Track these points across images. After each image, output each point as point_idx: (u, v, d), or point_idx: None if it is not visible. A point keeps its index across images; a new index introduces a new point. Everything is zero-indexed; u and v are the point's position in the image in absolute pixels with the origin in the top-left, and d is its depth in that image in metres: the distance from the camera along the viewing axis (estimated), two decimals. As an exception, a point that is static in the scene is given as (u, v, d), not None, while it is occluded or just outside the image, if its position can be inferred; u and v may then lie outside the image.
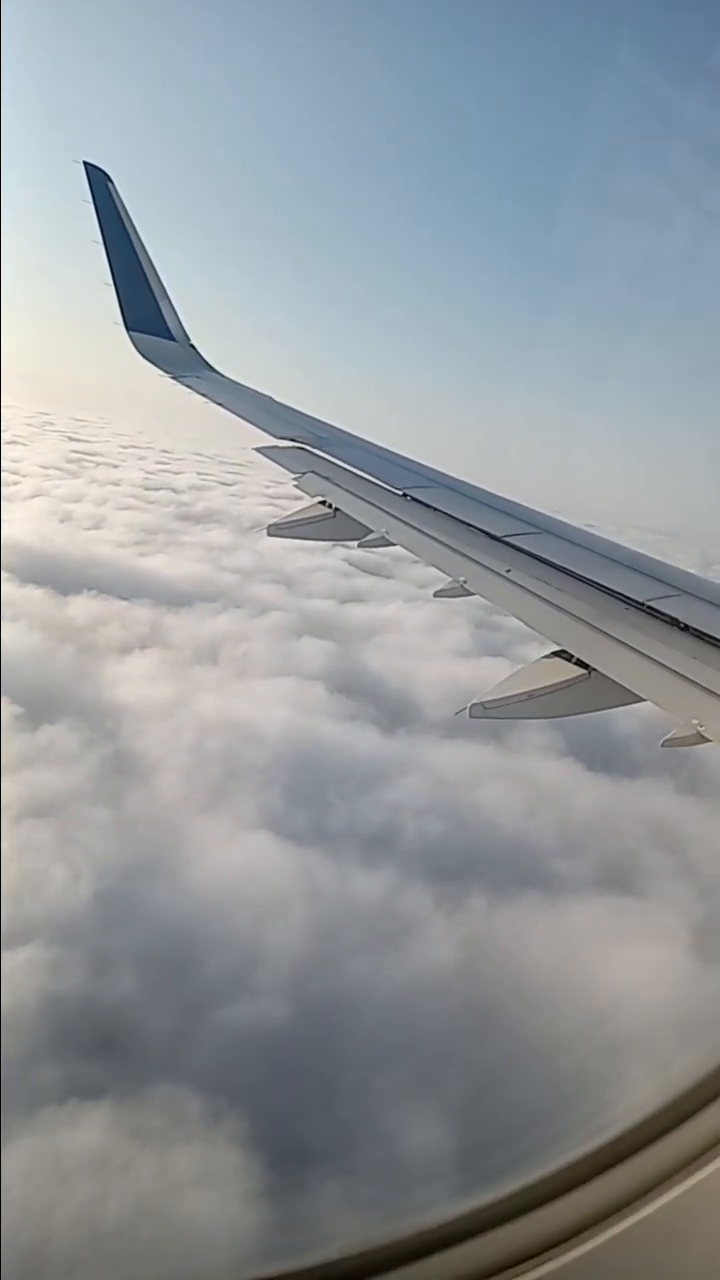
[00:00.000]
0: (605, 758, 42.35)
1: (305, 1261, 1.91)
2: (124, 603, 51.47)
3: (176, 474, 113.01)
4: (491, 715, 4.19)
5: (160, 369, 8.88)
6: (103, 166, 8.73)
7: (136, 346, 9.03)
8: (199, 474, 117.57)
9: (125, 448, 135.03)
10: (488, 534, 5.90)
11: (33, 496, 79.13)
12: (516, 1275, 1.80)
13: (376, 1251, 1.88)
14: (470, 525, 6.05)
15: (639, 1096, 2.00)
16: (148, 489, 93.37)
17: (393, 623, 60.50)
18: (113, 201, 8.72)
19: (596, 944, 27.17)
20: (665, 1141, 1.91)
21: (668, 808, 38.70)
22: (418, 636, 57.68)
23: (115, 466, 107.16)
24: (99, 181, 8.66)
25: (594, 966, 25.91)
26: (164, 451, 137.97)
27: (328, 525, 6.37)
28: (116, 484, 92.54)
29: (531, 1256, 1.82)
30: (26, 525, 66.73)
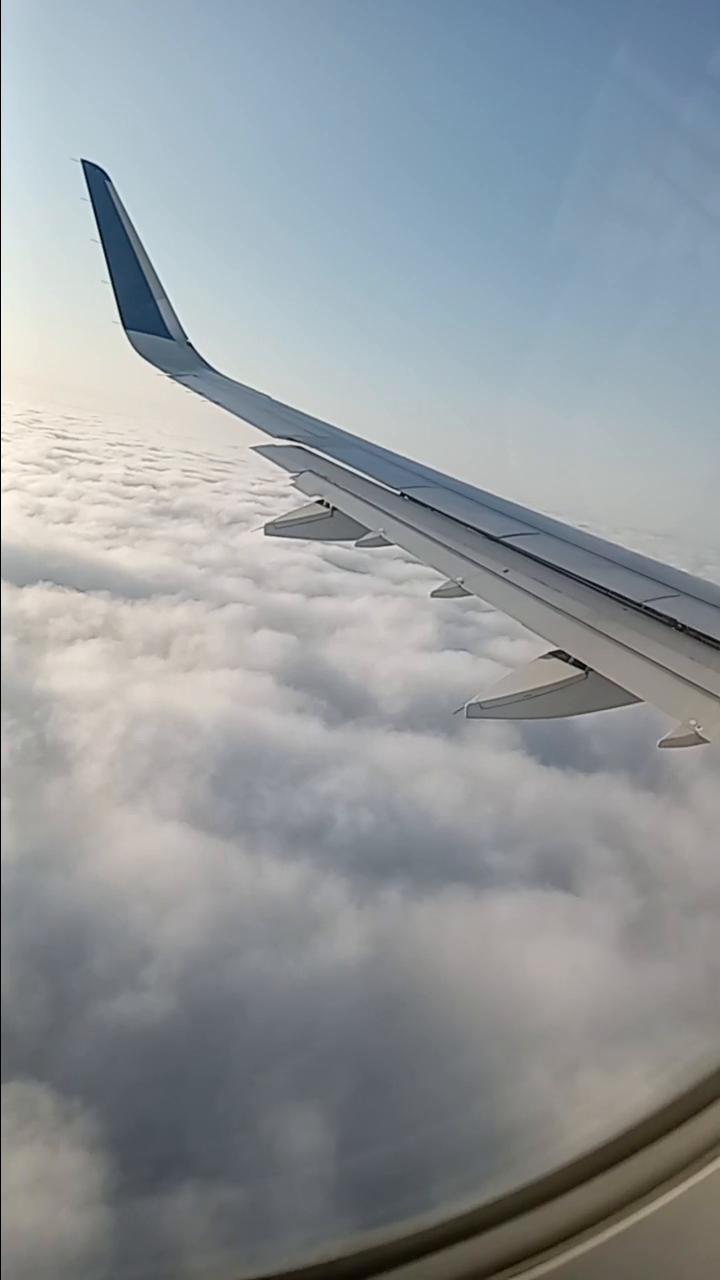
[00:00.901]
0: (561, 752, 41.35)
1: (306, 1260, 1.88)
2: (80, 594, 49.86)
3: (161, 471, 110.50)
4: (489, 715, 4.11)
5: (158, 367, 8.73)
6: (100, 165, 8.58)
7: (134, 345, 8.87)
8: (184, 471, 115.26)
9: (112, 445, 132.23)
10: (485, 534, 5.76)
11: (6, 490, 77.28)
12: (518, 1273, 1.77)
13: (378, 1250, 1.85)
14: (468, 525, 5.92)
15: (639, 1096, 1.93)
16: (127, 485, 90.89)
17: (359, 617, 59.13)
18: (111, 200, 8.56)
19: (512, 938, 26.05)
20: (666, 1141, 1.86)
21: (621, 803, 37.70)
22: (383, 630, 56.51)
23: (98, 463, 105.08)
24: (97, 180, 8.50)
25: (505, 961, 24.87)
26: (153, 449, 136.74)
27: (325, 524, 6.26)
28: (96, 480, 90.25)
29: (532, 1255, 1.79)
30: (-8, 519, 67.18)
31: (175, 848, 26.53)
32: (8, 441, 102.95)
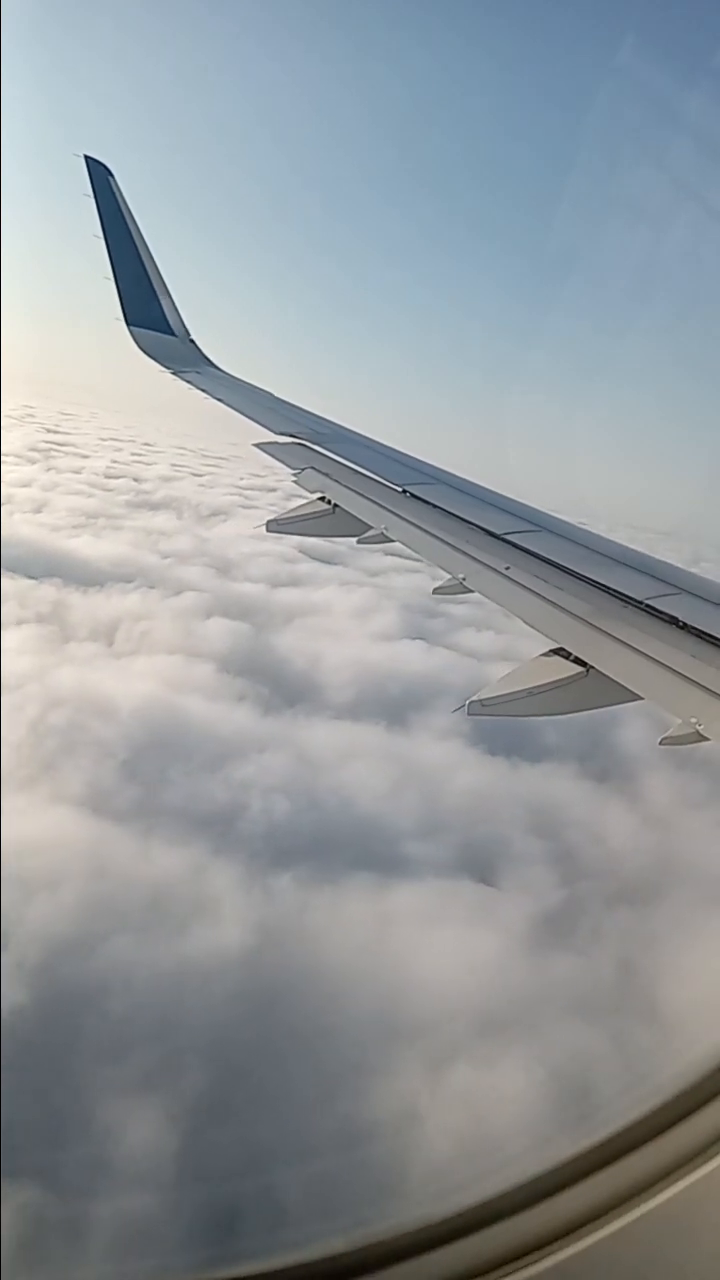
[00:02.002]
0: (511, 742, 40.16)
1: (307, 1255, 1.88)
2: (31, 581, 47.80)
3: (149, 465, 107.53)
4: (489, 713, 4.07)
5: (160, 364, 8.67)
6: (104, 160, 8.55)
7: (137, 341, 8.84)
8: (174, 465, 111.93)
9: (104, 440, 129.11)
10: (487, 531, 5.68)
11: None
12: (519, 1269, 1.78)
13: (379, 1245, 1.85)
14: (469, 522, 5.84)
15: (642, 1091, 1.93)
16: (108, 477, 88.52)
17: (322, 607, 57.97)
18: (114, 195, 8.51)
19: (406, 928, 24.79)
20: (669, 1136, 1.85)
21: (562, 793, 36.48)
22: (344, 620, 55.34)
23: (85, 456, 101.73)
24: (100, 175, 8.46)
25: (393, 951, 23.65)
26: (146, 444, 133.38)
27: (327, 521, 6.19)
28: (77, 472, 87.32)
29: (534, 1250, 1.79)
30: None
31: (59, 832, 25.21)
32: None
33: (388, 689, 43.40)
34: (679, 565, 5.23)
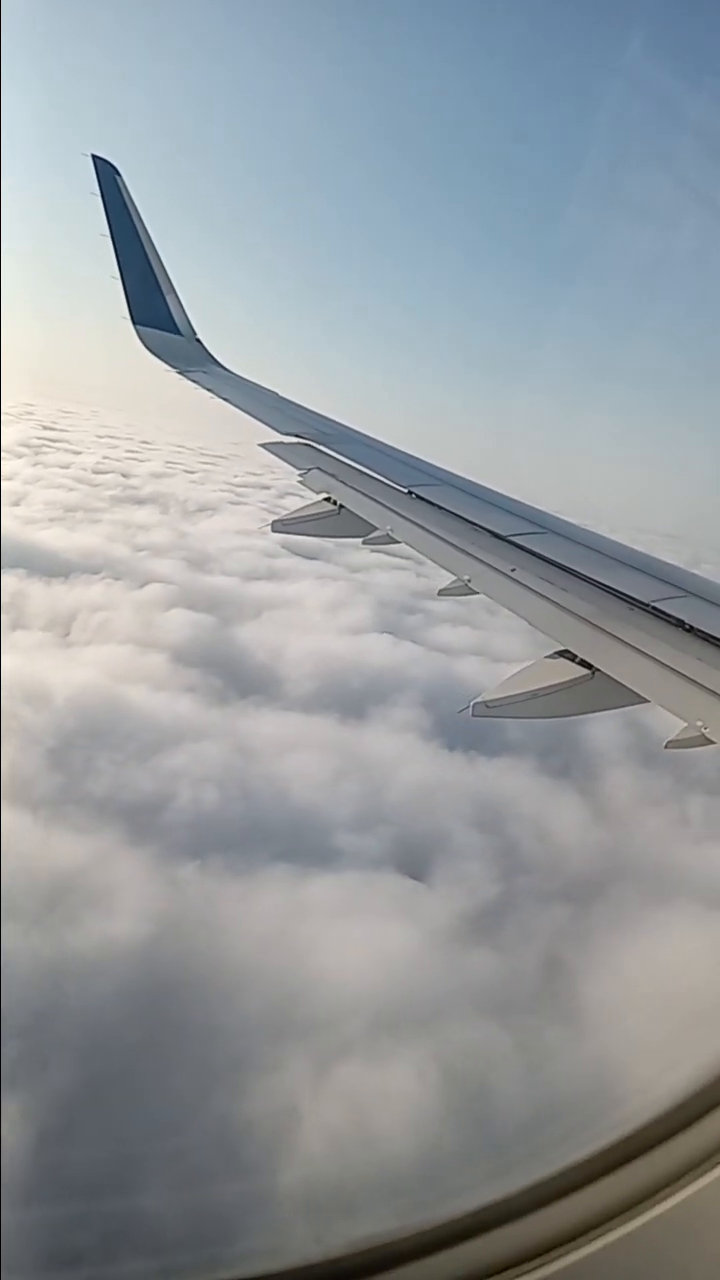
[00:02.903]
0: (472, 736, 39.07)
1: (308, 1258, 1.87)
2: None
3: (142, 461, 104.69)
4: (494, 715, 4.01)
5: (166, 363, 8.61)
6: (110, 159, 8.50)
7: (143, 341, 8.78)
8: (168, 463, 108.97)
9: (100, 437, 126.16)
10: (492, 533, 5.61)
11: None
12: (521, 1274, 1.75)
13: (381, 1248, 1.83)
14: (474, 524, 5.76)
15: (645, 1098, 1.90)
16: (96, 472, 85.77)
17: (294, 600, 57.00)
18: (120, 195, 8.45)
19: (316, 921, 23.74)
20: (672, 1144, 1.83)
21: (515, 789, 35.37)
22: (314, 614, 54.35)
23: (76, 453, 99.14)
24: (107, 175, 8.40)
25: (296, 945, 22.63)
26: (143, 442, 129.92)
27: (332, 522, 6.12)
28: (65, 467, 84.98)
29: (536, 1256, 1.77)
30: None
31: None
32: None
33: (349, 682, 42.36)
34: (681, 567, 5.13)
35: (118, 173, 8.50)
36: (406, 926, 22.97)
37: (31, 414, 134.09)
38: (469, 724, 40.38)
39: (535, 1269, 1.74)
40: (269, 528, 6.52)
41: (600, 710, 4.11)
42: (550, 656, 4.22)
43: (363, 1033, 19.14)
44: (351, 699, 40.89)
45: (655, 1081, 1.99)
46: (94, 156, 8.46)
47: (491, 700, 4.01)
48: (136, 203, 8.60)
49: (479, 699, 4.04)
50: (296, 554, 64.91)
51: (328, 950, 21.53)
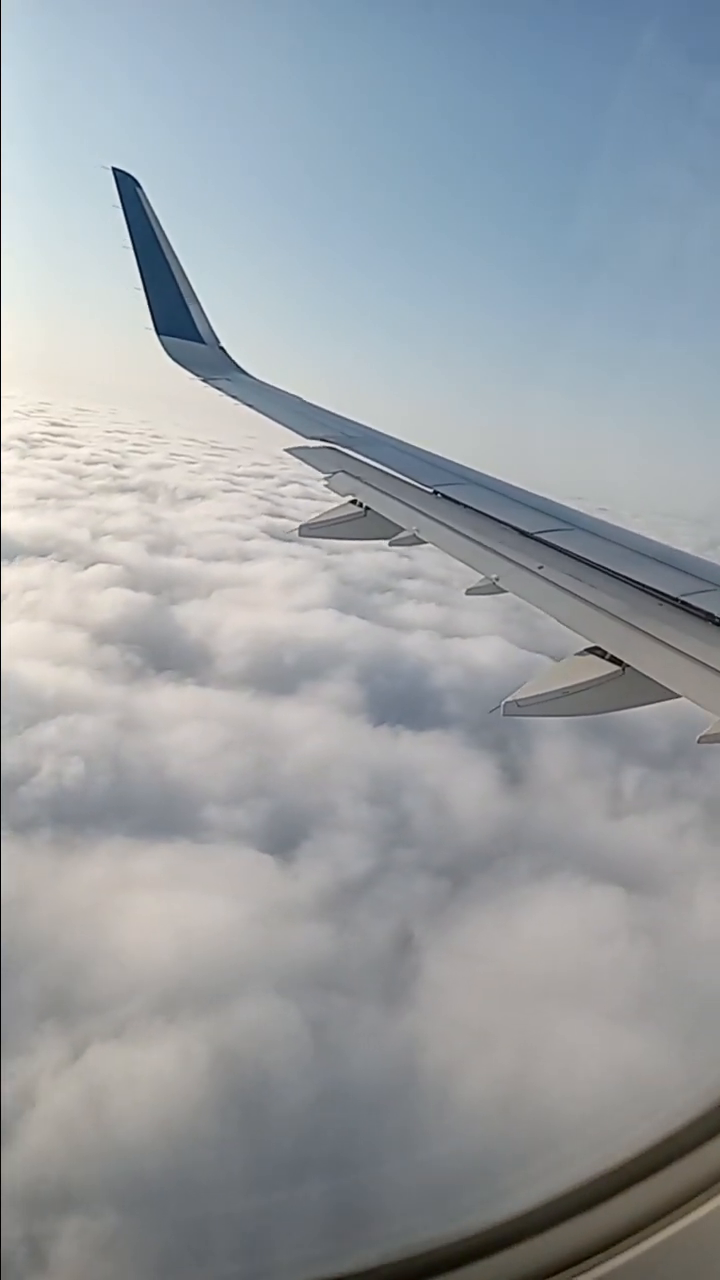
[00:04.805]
0: (404, 711, 37.26)
1: (313, 1273, 1.89)
2: None
3: (144, 454, 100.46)
4: (525, 713, 3.94)
5: (190, 371, 8.64)
6: (129, 170, 8.46)
7: (167, 351, 8.82)
8: (170, 455, 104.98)
9: (109, 432, 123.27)
10: (519, 530, 5.53)
11: None
12: None
13: (384, 1269, 1.79)
14: (502, 522, 5.68)
15: (643, 1126, 1.83)
16: (89, 464, 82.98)
17: (251, 579, 55.58)
18: (141, 206, 8.47)
19: (130, 894, 22.26)
20: (669, 1171, 1.78)
21: (431, 762, 33.45)
22: (267, 593, 52.64)
23: (76, 446, 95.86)
24: (128, 187, 8.42)
25: (96, 919, 21.19)
26: (154, 437, 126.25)
27: (358, 524, 6.08)
28: (58, 459, 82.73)
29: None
30: None
31: None
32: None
33: (281, 658, 40.96)
34: (709, 560, 4.93)
35: (138, 185, 8.43)
36: (225, 900, 21.35)
37: (43, 411, 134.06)
38: (402, 698, 38.29)
39: None
40: (297, 531, 6.36)
41: (631, 706, 3.98)
42: (580, 653, 4.09)
43: (137, 1011, 17.60)
44: (281, 674, 39.40)
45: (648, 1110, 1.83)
46: (114, 170, 8.35)
47: (522, 699, 3.88)
48: (157, 211, 8.53)
49: (510, 698, 3.88)
50: (273, 536, 63.69)
51: (121, 925, 20.02)
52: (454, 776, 31.78)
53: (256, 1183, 14.35)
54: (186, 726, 30.70)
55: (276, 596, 50.06)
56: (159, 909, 20.39)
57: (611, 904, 22.95)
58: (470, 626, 49.32)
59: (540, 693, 3.92)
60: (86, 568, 47.53)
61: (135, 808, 25.12)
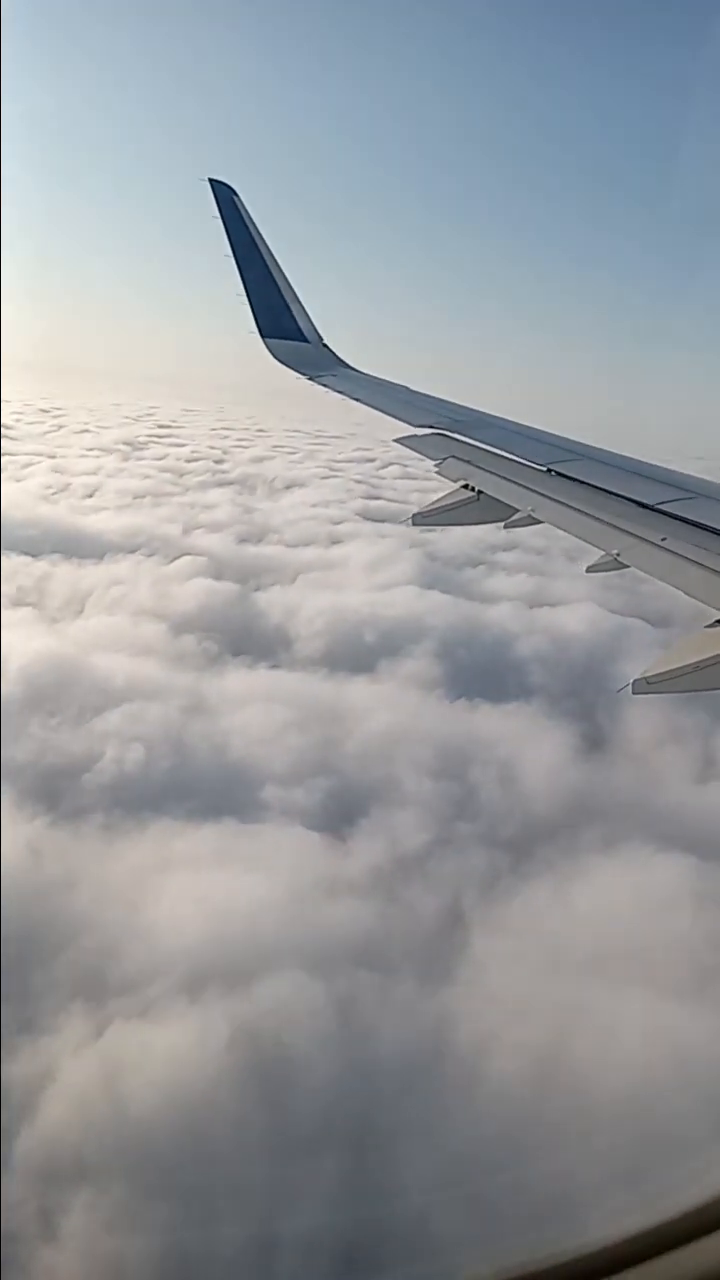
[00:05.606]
0: (484, 684, 36.31)
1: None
2: (27, 558, 46.18)
3: (246, 448, 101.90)
4: (655, 690, 3.87)
5: (296, 371, 8.91)
6: (226, 180, 8.81)
7: (272, 352, 9.08)
8: (273, 447, 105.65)
9: (214, 430, 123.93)
10: (639, 503, 5.42)
11: (26, 466, 75.18)
12: None
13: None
14: (620, 496, 5.58)
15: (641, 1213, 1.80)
16: (189, 461, 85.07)
17: (337, 562, 55.28)
18: (239, 214, 8.75)
19: (161, 875, 21.96)
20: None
21: (507, 736, 32.29)
22: (352, 573, 52.27)
23: (180, 445, 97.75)
24: (225, 196, 8.73)
25: (130, 898, 21.01)
26: (258, 431, 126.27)
27: (472, 509, 6.11)
28: (160, 459, 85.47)
29: None
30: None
31: None
32: (91, 432, 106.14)
33: (360, 636, 40.50)
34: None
35: (235, 193, 8.60)
36: (262, 879, 21.03)
37: (151, 415, 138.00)
38: (483, 670, 37.00)
39: None
40: (408, 520, 6.36)
41: None
42: (710, 626, 3.93)
43: (163, 990, 17.54)
44: (359, 653, 38.95)
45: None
46: (211, 180, 8.57)
47: (652, 676, 3.82)
48: (254, 218, 8.66)
49: (640, 675, 3.85)
50: (367, 519, 63.48)
51: (154, 903, 19.99)
52: (528, 748, 30.40)
53: (274, 1154, 13.95)
54: (253, 709, 30.44)
55: (361, 577, 49.29)
56: (189, 889, 20.12)
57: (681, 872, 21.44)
58: (563, 594, 47.40)
59: (670, 669, 3.78)
60: (171, 561, 47.97)
61: (192, 791, 25.04)
